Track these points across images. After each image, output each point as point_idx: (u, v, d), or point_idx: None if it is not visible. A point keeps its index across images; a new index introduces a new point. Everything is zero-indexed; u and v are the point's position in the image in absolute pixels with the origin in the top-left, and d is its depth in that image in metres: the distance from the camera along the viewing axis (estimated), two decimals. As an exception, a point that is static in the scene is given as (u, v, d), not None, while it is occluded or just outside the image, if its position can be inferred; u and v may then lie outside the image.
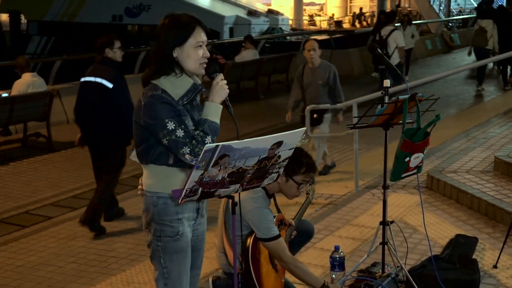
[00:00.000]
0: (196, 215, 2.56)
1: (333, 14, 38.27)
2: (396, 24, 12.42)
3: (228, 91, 2.44)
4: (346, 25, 35.48)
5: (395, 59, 9.46)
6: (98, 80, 4.87)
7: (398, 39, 9.59)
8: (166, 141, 2.36)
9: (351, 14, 38.06)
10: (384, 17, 11.18)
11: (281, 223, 3.34)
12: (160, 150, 2.43)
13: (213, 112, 2.40)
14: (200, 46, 2.45)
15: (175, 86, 2.43)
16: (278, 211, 3.43)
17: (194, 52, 2.44)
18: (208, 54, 2.48)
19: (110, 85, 4.82)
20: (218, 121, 2.41)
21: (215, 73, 2.45)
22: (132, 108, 2.64)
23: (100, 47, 5.00)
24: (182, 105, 2.42)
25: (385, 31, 9.80)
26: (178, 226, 2.48)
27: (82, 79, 5.04)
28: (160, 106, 2.36)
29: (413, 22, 15.87)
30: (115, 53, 4.99)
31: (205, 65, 2.47)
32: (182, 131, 2.34)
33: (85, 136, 5.08)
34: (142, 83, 2.50)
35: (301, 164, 3.20)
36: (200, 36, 2.45)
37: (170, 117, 2.35)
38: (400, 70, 9.90)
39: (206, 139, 2.34)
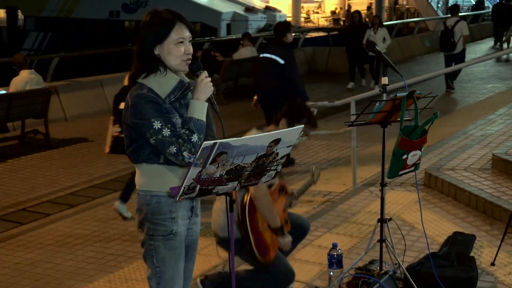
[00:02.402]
0: (190, 214, 2.54)
1: (336, 8, 38.01)
2: (384, 23, 12.34)
3: (212, 88, 2.40)
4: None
5: (460, 46, 10.83)
6: (274, 57, 6.31)
7: (463, 29, 10.84)
8: (153, 141, 2.34)
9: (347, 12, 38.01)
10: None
11: (282, 190, 3.38)
12: (150, 150, 2.41)
13: (198, 110, 2.36)
14: (182, 42, 2.40)
15: (161, 84, 2.40)
16: (281, 176, 3.47)
17: (175, 49, 2.39)
18: (191, 51, 2.43)
19: (282, 61, 6.24)
20: (203, 118, 2.37)
21: (198, 70, 2.41)
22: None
23: (280, 32, 6.47)
24: (169, 102, 2.39)
25: (450, 21, 10.96)
26: (171, 225, 2.46)
27: (261, 55, 6.64)
28: (146, 105, 2.34)
29: (410, 19, 15.78)
30: (290, 36, 6.45)
31: (189, 62, 2.43)
32: (169, 130, 2.32)
33: (261, 99, 6.52)
34: (130, 82, 2.48)
35: (303, 114, 3.31)
36: (181, 32, 2.40)
37: (156, 116, 2.33)
38: (463, 55, 11.02)
39: (192, 137, 2.31)
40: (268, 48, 6.91)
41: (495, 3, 17.01)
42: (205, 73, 2.40)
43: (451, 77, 11.20)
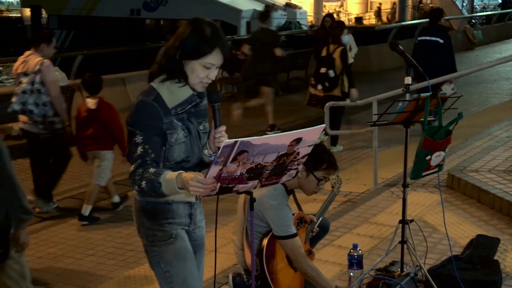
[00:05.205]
0: (189, 221, 2.46)
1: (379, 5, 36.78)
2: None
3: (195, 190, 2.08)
4: (366, 21, 35.22)
5: None
6: (433, 38, 7.31)
7: None
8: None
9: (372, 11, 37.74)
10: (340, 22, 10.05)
11: (301, 221, 3.32)
12: None
13: (172, 187, 2.15)
14: (209, 68, 2.29)
15: (172, 93, 2.32)
16: (299, 208, 3.41)
17: (200, 70, 2.29)
18: (213, 77, 2.33)
19: (441, 41, 7.27)
20: (165, 190, 2.17)
21: (217, 102, 2.30)
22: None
23: (435, 16, 7.60)
24: (175, 114, 2.31)
25: None
26: (170, 229, 2.38)
27: (418, 38, 7.64)
28: (143, 113, 2.27)
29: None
30: (443, 20, 7.63)
31: (206, 85, 2.35)
32: (142, 149, 2.24)
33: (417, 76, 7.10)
34: (148, 79, 2.38)
35: (322, 160, 3.21)
36: (214, 58, 2.28)
37: (143, 130, 2.25)
38: None
39: (142, 181, 2.19)
40: (425, 31, 7.68)
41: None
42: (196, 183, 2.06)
43: None
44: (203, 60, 2.29)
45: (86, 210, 5.24)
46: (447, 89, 6.91)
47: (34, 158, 5.64)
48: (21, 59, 5.34)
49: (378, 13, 36.31)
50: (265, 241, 3.12)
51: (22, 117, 5.37)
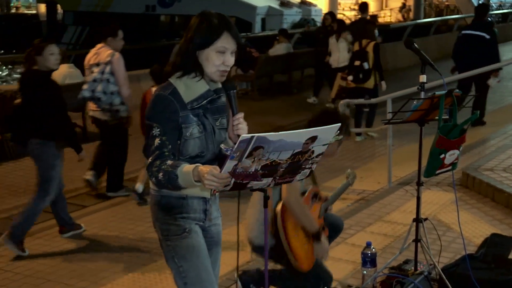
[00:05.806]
0: (204, 217, 2.48)
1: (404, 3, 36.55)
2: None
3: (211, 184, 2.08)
4: (380, 19, 34.96)
5: None
6: (478, 33, 7.50)
7: None
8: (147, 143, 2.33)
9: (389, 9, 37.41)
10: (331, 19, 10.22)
11: (315, 196, 3.30)
12: None
13: (188, 179, 2.16)
14: (223, 52, 2.32)
15: (189, 88, 2.35)
16: (314, 182, 3.40)
17: (214, 57, 2.31)
18: (230, 63, 2.35)
19: (488, 36, 7.48)
20: (181, 183, 2.18)
21: (232, 89, 2.33)
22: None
23: (482, 12, 7.84)
24: (191, 108, 2.33)
25: None
26: (184, 224, 2.40)
27: (463, 32, 7.85)
28: (159, 107, 2.30)
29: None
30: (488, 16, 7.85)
31: (224, 73, 2.36)
32: (159, 141, 2.27)
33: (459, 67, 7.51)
34: (164, 78, 2.42)
35: (339, 122, 3.20)
36: (226, 42, 2.31)
37: (160, 123, 2.29)
38: None
39: (159, 173, 2.21)
40: (470, 26, 7.88)
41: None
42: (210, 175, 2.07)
43: None
44: (215, 45, 2.32)
45: (140, 187, 5.60)
46: (492, 82, 7.23)
47: (103, 143, 6.00)
48: (93, 51, 5.73)
49: (403, 9, 35.89)
50: (278, 206, 3.11)
51: (92, 105, 5.76)
